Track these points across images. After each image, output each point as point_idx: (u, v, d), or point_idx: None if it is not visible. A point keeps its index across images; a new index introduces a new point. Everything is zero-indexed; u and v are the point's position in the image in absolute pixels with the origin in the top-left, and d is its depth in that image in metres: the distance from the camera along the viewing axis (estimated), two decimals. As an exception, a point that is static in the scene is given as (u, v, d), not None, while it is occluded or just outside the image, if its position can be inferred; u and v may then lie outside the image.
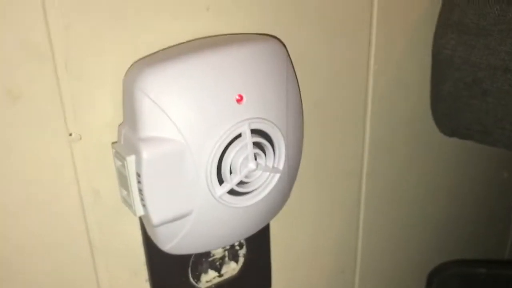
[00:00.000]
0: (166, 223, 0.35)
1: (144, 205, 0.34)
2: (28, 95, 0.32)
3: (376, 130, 0.54)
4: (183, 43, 0.37)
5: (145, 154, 0.33)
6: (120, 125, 0.36)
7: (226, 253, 0.47)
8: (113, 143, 0.36)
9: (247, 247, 0.48)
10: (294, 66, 0.42)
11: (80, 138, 0.35)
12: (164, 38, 0.36)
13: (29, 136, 0.33)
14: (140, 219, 0.40)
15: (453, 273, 0.71)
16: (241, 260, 0.48)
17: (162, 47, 0.36)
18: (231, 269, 0.48)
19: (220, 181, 0.36)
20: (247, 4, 0.39)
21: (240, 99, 0.35)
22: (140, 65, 0.34)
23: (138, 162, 0.33)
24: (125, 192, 0.36)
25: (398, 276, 0.71)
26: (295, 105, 0.39)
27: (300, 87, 0.44)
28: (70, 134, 0.35)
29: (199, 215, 0.36)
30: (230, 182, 0.36)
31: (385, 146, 0.57)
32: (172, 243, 0.38)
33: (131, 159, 0.33)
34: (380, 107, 0.54)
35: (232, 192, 0.37)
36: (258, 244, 0.49)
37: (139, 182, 0.34)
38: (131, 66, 0.35)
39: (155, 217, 0.35)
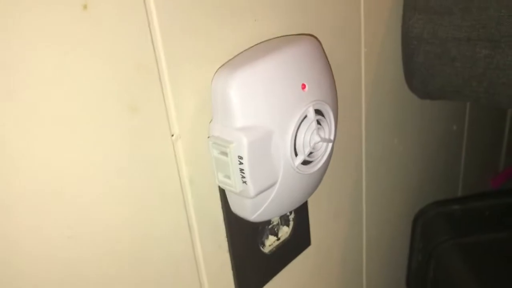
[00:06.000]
0: (259, 194, 0.44)
1: (244, 182, 0.43)
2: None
3: (371, 97, 0.66)
4: (248, 49, 0.45)
5: (245, 140, 0.41)
6: (211, 122, 0.44)
7: (279, 219, 0.56)
8: (208, 137, 0.44)
9: (294, 212, 0.57)
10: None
11: (180, 137, 0.43)
12: (227, 48, 0.45)
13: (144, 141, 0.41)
14: (222, 200, 0.48)
15: (433, 214, 0.85)
16: (291, 223, 0.57)
17: (229, 56, 0.45)
18: (284, 232, 0.57)
19: (295, 154, 0.45)
20: (285, 11, 0.49)
21: (304, 87, 0.44)
22: (227, 69, 0.42)
23: (240, 148, 0.41)
24: (222, 175, 0.44)
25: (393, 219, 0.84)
26: (334, 86, 0.49)
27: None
28: (172, 135, 0.42)
29: (281, 184, 0.45)
30: (303, 154, 0.45)
31: (377, 110, 0.69)
32: (258, 212, 0.46)
33: (233, 146, 0.42)
34: (371, 80, 0.65)
35: (303, 162, 0.46)
36: (300, 208, 0.58)
37: (240, 163, 0.42)
38: (217, 72, 0.43)
39: (253, 190, 0.43)
